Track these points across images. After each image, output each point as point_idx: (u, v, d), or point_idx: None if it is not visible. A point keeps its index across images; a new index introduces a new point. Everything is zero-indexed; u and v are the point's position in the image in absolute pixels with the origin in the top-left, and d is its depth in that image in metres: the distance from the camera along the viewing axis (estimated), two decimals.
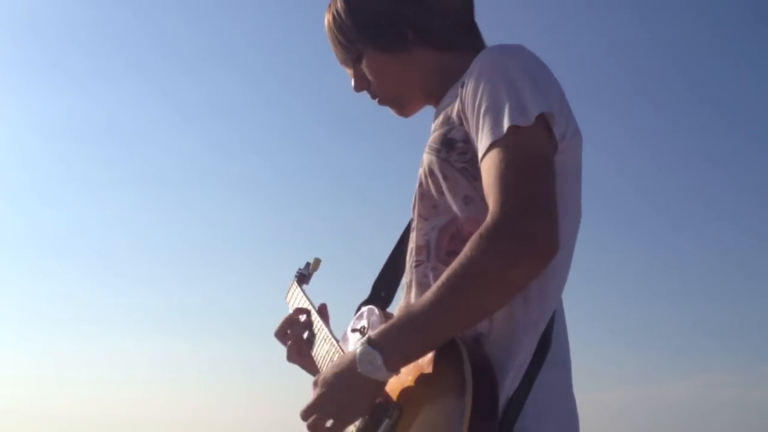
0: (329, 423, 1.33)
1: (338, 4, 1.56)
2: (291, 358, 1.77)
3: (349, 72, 1.63)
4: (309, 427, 1.34)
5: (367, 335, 1.29)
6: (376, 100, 1.61)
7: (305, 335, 1.77)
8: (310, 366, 1.74)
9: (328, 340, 1.67)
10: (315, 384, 1.36)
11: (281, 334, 1.79)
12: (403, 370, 1.30)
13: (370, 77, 1.58)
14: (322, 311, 1.81)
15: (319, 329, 1.74)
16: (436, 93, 1.53)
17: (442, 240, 1.38)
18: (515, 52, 1.37)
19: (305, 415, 1.35)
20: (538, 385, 1.28)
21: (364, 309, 1.61)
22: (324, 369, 1.41)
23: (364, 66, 1.58)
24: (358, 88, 1.61)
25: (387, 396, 1.34)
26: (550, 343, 1.33)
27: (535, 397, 1.28)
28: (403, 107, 1.61)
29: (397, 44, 1.53)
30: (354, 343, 1.48)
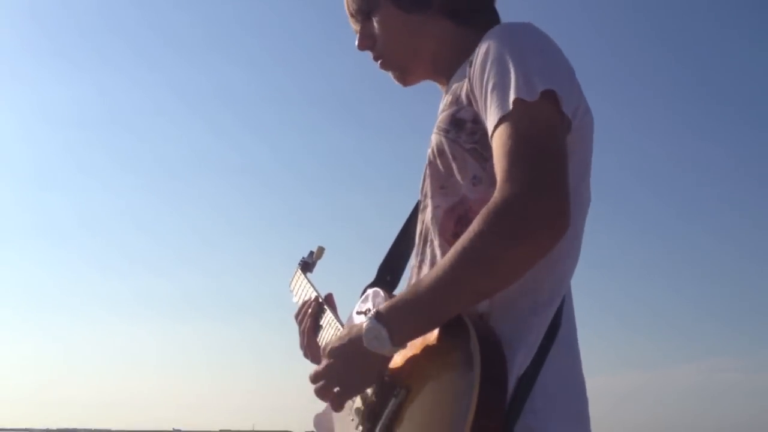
0: (336, 390, 1.34)
1: None
2: (305, 353, 1.76)
3: (356, 28, 1.59)
4: (316, 392, 1.36)
5: (375, 309, 1.28)
6: (379, 62, 1.57)
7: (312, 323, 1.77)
8: (317, 354, 1.72)
9: (333, 325, 1.67)
10: (323, 352, 1.37)
11: (301, 316, 1.78)
12: (411, 346, 1.30)
13: (379, 36, 1.54)
14: (329, 301, 1.80)
15: (324, 317, 1.74)
16: (445, 67, 1.51)
17: (448, 222, 1.36)
18: (524, 30, 1.35)
19: (313, 379, 1.37)
20: (548, 365, 1.27)
21: (369, 291, 1.61)
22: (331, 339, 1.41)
23: (375, 23, 1.54)
24: (362, 46, 1.57)
25: (394, 374, 1.34)
26: (560, 326, 1.32)
27: (546, 377, 1.26)
28: (407, 74, 1.57)
29: (418, 5, 1.50)
30: None
